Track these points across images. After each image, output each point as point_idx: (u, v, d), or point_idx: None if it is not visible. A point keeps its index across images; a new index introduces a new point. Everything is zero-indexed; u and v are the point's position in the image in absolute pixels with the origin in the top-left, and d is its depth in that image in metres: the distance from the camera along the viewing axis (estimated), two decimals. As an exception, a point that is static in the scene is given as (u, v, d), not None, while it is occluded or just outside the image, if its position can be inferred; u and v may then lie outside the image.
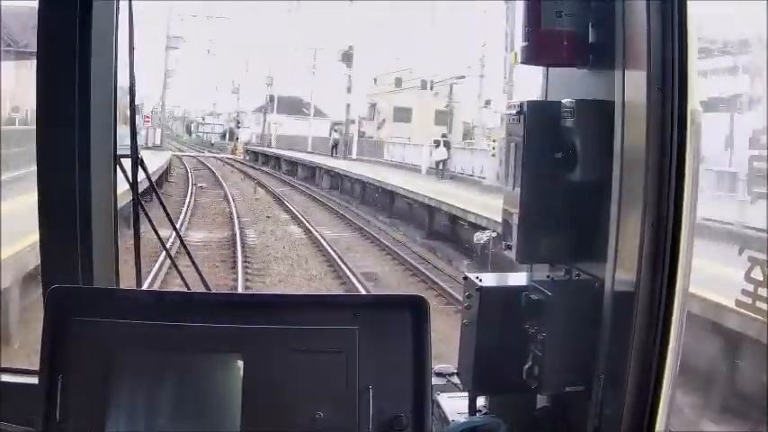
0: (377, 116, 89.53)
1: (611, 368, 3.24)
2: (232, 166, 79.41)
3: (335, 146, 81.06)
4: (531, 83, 4.03)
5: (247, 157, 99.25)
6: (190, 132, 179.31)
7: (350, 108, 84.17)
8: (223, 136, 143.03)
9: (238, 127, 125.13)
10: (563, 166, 3.46)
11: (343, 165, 62.21)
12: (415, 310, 3.07)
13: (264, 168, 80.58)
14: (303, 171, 70.58)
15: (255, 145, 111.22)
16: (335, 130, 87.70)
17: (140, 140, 4.09)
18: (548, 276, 3.69)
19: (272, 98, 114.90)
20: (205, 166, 75.73)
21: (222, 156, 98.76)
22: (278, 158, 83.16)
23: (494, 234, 22.28)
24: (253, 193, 50.86)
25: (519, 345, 3.55)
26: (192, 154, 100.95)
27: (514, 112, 3.60)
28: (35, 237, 4.02)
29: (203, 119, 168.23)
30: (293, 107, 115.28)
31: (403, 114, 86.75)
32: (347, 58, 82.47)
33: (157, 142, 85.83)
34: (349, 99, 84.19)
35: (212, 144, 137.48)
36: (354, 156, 75.17)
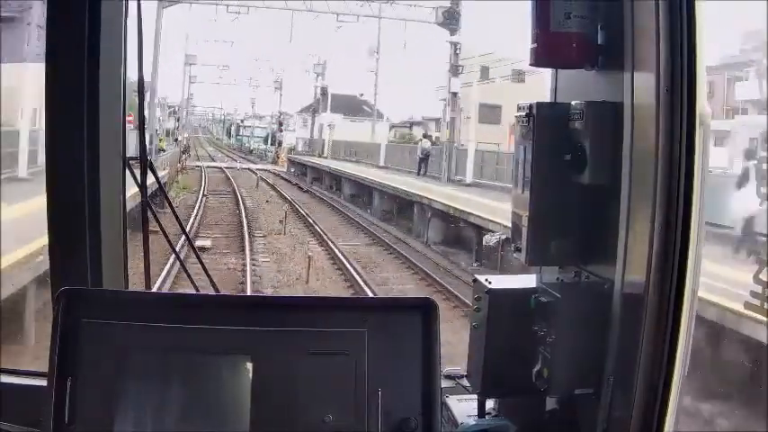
0: (460, 114, 56.96)
1: (620, 370, 3.23)
2: (273, 187, 59.78)
3: (425, 159, 55.91)
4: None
5: (292, 169, 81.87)
6: (230, 135, 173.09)
7: (455, 102, 55.17)
8: (265, 140, 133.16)
9: (281, 130, 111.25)
10: (572, 168, 3.45)
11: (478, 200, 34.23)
12: (424, 313, 3.07)
13: (317, 190, 59.87)
14: (388, 204, 43.70)
15: (303, 153, 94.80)
16: (428, 137, 61.47)
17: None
18: (557, 278, 3.69)
19: (324, 92, 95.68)
20: (229, 189, 55.39)
21: (260, 167, 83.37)
22: (337, 178, 59.59)
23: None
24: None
25: (528, 347, 3.55)
26: (218, 165, 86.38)
27: (523, 114, 3.59)
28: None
29: (242, 121, 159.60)
30: (350, 107, 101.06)
31: (490, 114, 63.97)
32: (450, 17, 54.64)
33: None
34: (455, 85, 54.75)
35: (251, 151, 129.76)
36: (470, 178, 47.66)
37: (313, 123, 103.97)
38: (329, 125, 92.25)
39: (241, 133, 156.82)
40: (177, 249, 4.59)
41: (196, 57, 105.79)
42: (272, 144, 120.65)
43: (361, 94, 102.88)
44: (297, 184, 67.55)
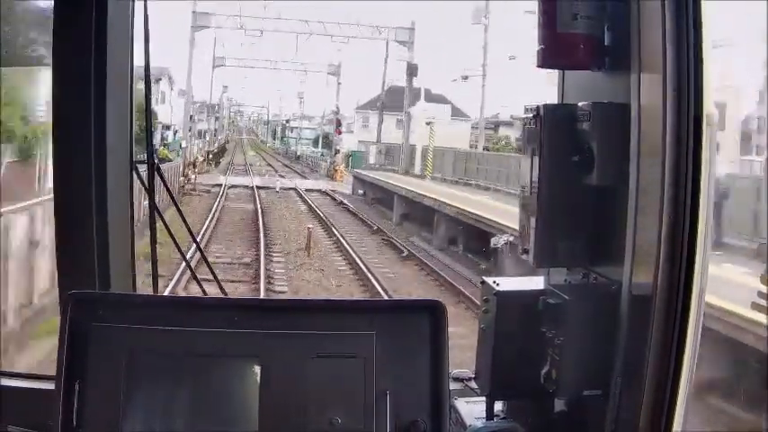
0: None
1: (628, 372, 3.22)
2: (342, 241, 34.53)
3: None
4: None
5: (360, 191, 58.34)
6: (275, 137, 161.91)
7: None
8: (315, 142, 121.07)
9: (339, 131, 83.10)
10: (580, 169, 3.45)
11: None
12: (433, 315, 3.07)
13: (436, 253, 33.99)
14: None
15: (376, 168, 69.62)
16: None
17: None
18: (565, 280, 3.68)
19: (412, 71, 67.74)
20: (249, 256, 30.52)
21: (311, 185, 62.42)
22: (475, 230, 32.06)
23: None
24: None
25: (536, 349, 3.54)
26: (248, 183, 61.39)
27: (531, 115, 3.59)
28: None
29: (287, 121, 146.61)
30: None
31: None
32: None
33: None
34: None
35: (298, 157, 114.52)
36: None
37: (380, 122, 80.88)
38: (428, 123, 61.35)
39: (287, 135, 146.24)
40: (186, 253, 4.57)
41: (224, 59, 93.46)
42: (323, 146, 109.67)
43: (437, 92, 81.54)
44: (384, 232, 38.91)
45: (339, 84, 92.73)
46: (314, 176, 79.72)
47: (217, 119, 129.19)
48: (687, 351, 3.07)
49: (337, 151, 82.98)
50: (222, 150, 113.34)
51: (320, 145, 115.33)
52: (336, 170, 76.09)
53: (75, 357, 2.94)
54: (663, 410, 3.10)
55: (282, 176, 73.83)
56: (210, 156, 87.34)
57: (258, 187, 57.22)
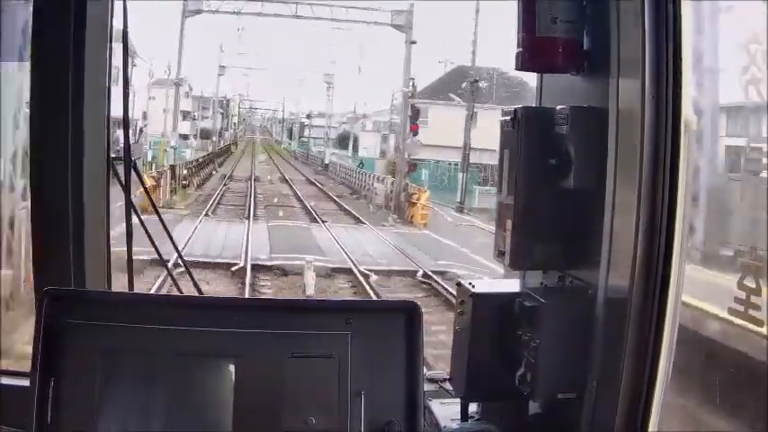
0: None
1: (603, 375, 3.24)
2: None
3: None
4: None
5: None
6: (292, 137, 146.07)
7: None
8: (341, 142, 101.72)
9: (415, 127, 51.68)
10: (557, 173, 3.46)
11: None
12: (408, 316, 3.07)
13: None
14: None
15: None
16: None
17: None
18: (541, 283, 3.69)
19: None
20: None
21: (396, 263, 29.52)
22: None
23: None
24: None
25: (512, 351, 3.55)
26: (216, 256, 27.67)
27: (508, 118, 3.60)
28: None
29: (308, 116, 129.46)
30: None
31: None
32: None
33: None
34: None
35: (326, 166, 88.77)
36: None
37: (471, 118, 53.06)
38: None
39: (306, 135, 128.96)
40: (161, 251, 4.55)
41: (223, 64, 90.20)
42: (353, 151, 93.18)
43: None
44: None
45: (411, 44, 54.42)
46: (370, 216, 45.19)
47: (223, 116, 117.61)
48: (663, 354, 3.09)
49: (413, 167, 54.18)
50: (222, 155, 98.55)
51: (350, 148, 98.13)
52: (415, 204, 43.48)
53: (50, 355, 2.93)
54: (638, 413, 3.12)
55: (316, 220, 41.93)
56: (192, 169, 59.78)
57: (259, 271, 27.38)
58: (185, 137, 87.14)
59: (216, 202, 47.87)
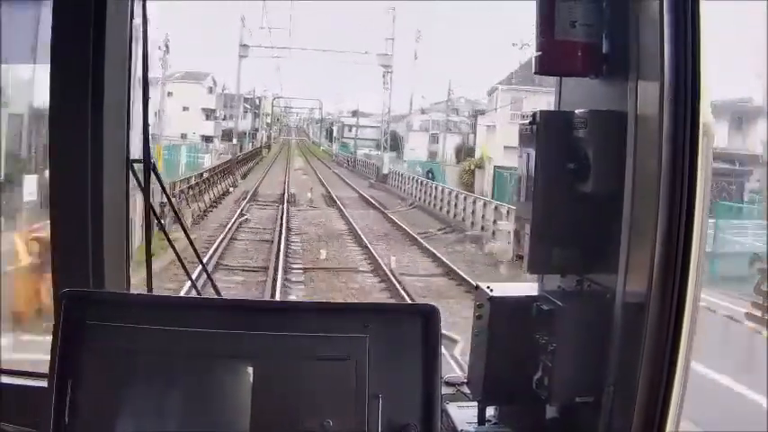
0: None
1: (620, 379, 3.23)
2: None
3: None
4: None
5: None
6: (332, 139, 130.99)
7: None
8: (392, 144, 79.80)
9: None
10: (575, 177, 3.45)
11: None
12: (426, 319, 3.06)
13: None
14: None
15: None
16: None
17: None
18: (559, 286, 3.69)
19: None
20: None
21: None
22: None
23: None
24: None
25: (529, 355, 3.55)
26: None
27: (527, 122, 3.59)
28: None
29: (354, 114, 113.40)
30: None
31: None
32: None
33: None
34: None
35: (384, 177, 68.70)
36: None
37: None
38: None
39: (349, 135, 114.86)
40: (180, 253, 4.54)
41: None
42: (397, 151, 77.73)
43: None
44: None
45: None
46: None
47: (257, 115, 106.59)
48: (680, 359, 3.07)
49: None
50: (249, 160, 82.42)
51: (397, 150, 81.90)
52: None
53: (69, 355, 2.94)
54: (655, 418, 3.11)
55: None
56: (196, 187, 42.63)
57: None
58: (208, 139, 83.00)
59: (215, 261, 27.66)
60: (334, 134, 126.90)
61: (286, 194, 51.25)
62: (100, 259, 4.05)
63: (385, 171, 70.51)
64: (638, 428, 3.14)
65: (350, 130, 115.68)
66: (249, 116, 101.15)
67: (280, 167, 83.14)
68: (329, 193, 56.16)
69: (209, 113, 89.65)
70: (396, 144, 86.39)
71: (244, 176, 67.43)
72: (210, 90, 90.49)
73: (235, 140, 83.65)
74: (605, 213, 3.36)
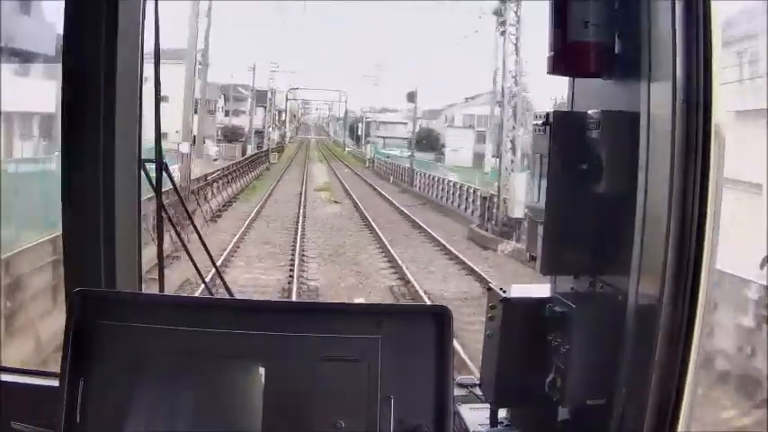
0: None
1: (633, 382, 3.22)
2: None
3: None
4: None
5: None
6: (356, 138, 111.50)
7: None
8: (418, 143, 69.48)
9: None
10: (588, 178, 3.45)
11: None
12: (438, 321, 3.06)
13: None
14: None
15: None
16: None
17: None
18: (571, 288, 3.68)
19: None
20: None
21: None
22: None
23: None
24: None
25: (541, 357, 3.55)
26: None
27: (540, 122, 3.59)
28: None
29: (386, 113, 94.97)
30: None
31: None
32: None
33: None
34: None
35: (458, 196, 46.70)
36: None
37: None
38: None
39: (377, 134, 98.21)
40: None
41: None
42: (433, 152, 65.94)
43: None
44: None
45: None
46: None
47: (265, 110, 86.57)
48: (692, 361, 3.07)
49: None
50: (246, 172, 59.89)
51: (434, 150, 70.40)
52: None
53: (80, 355, 2.95)
54: (667, 420, 3.10)
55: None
56: None
57: None
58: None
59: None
60: (359, 132, 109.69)
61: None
62: (112, 259, 4.05)
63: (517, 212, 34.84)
64: (649, 430, 3.13)
65: (378, 128, 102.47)
66: (260, 111, 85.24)
67: (293, 185, 59.57)
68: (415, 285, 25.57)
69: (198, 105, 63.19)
70: (431, 144, 74.16)
71: (227, 204, 44.46)
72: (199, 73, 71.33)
73: (212, 151, 64.31)
74: (618, 214, 3.36)
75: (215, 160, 58.12)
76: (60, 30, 4.01)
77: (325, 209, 46.38)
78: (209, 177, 43.94)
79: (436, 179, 56.60)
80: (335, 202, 50.64)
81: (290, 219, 40.54)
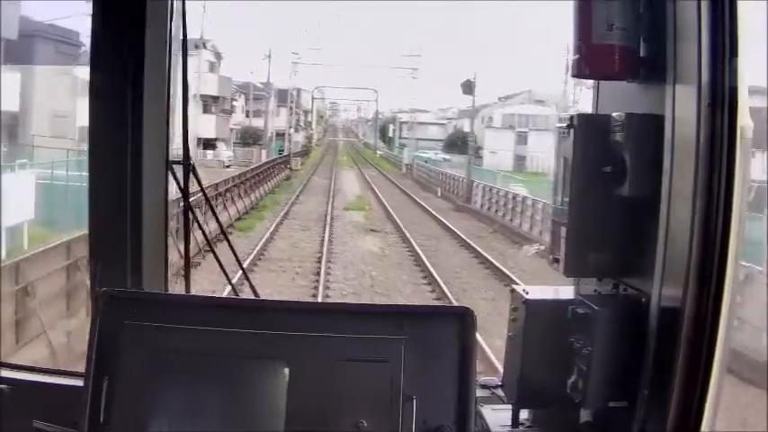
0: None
1: (655, 384, 3.21)
2: None
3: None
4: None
5: None
6: (387, 141, 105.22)
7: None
8: (450, 145, 67.79)
9: None
10: (612, 180, 3.44)
11: None
12: (462, 322, 3.08)
13: None
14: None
15: None
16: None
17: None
18: (595, 290, 3.68)
19: None
20: None
21: None
22: None
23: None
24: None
25: (564, 358, 3.54)
26: None
27: (564, 125, 3.59)
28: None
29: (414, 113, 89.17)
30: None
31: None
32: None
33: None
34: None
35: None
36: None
37: None
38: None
39: (414, 136, 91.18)
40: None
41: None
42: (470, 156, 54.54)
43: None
44: None
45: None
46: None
47: (291, 111, 79.85)
48: (716, 364, 3.05)
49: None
50: (262, 179, 51.26)
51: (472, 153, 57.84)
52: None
53: (105, 354, 2.97)
54: (690, 423, 3.09)
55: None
56: None
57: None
58: (208, 144, 60.71)
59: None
60: (389, 134, 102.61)
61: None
62: (138, 259, 4.08)
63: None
64: (672, 432, 3.12)
65: (410, 128, 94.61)
66: (283, 112, 79.76)
67: (310, 208, 45.34)
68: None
69: (208, 102, 61.44)
70: (460, 146, 65.44)
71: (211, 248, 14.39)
72: (212, 67, 63.40)
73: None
74: (641, 217, 3.35)
75: (227, 167, 51.93)
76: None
77: (358, 243, 33.75)
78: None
79: (501, 194, 45.68)
80: (373, 231, 37.77)
81: (306, 267, 28.28)
